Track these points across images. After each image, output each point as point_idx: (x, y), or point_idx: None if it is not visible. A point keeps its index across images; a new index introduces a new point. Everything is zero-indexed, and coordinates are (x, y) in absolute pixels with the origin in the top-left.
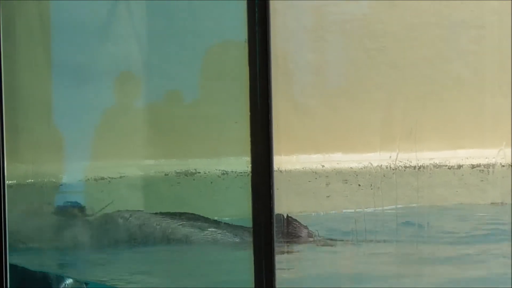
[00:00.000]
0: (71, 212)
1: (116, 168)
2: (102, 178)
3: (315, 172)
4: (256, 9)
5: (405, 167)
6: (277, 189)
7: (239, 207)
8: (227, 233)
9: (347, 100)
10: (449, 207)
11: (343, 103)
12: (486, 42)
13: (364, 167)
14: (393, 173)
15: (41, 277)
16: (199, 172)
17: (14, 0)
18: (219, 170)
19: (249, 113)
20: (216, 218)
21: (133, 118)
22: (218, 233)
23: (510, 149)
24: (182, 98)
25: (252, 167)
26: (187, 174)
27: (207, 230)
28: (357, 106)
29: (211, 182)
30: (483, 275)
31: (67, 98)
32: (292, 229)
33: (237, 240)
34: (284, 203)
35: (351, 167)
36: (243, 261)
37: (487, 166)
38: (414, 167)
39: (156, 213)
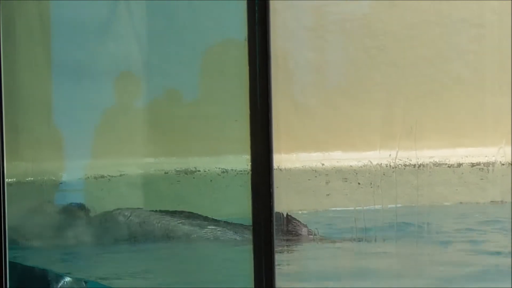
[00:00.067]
0: (71, 210)
1: (116, 166)
2: (102, 176)
3: (315, 171)
4: (256, 8)
5: (405, 165)
6: (277, 187)
7: (239, 206)
8: (227, 231)
9: (347, 99)
10: (448, 206)
11: (343, 102)
12: (486, 41)
13: (364, 166)
14: (393, 172)
15: (40, 274)
16: (199, 171)
17: (14, 0)
18: (219, 168)
19: (249, 112)
20: (216, 216)
21: (133, 116)
22: (218, 231)
23: (510, 148)
24: (182, 96)
25: (252, 166)
26: (187, 172)
27: (207, 228)
28: (357, 105)
29: (211, 181)
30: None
31: (67, 96)
32: (291, 228)
33: (236, 237)
34: (284, 202)
35: (351, 166)
36: (243, 259)
37: (487, 164)
38: (414, 165)
39: (156, 211)
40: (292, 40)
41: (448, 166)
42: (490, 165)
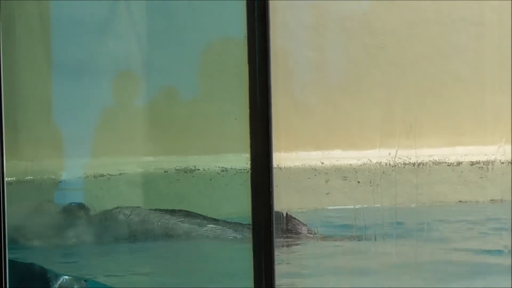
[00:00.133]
0: (70, 208)
1: (115, 165)
2: (102, 175)
3: (315, 169)
4: (256, 7)
5: (405, 164)
6: (277, 186)
7: (239, 204)
8: (226, 229)
9: (346, 98)
10: (448, 204)
11: (343, 101)
12: (486, 40)
13: (363, 164)
14: (393, 170)
15: (40, 273)
16: (198, 169)
17: (14, 0)
18: (219, 167)
19: (248, 110)
20: (215, 215)
21: (132, 115)
22: (218, 229)
23: (510, 146)
24: (182, 95)
25: (252, 164)
26: (187, 171)
27: (206, 227)
28: (356, 103)
29: (211, 179)
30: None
31: (67, 95)
32: (291, 226)
33: (236, 236)
34: (283, 200)
35: (350, 164)
36: (242, 258)
37: (487, 163)
38: (414, 164)
39: (155, 210)
40: (292, 39)
41: (448, 165)
42: (490, 164)
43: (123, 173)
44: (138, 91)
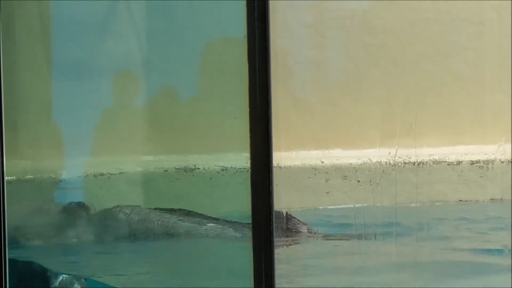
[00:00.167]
0: (70, 208)
1: (115, 164)
2: (102, 174)
3: (315, 168)
4: (256, 6)
5: (405, 163)
6: (277, 185)
7: (239, 203)
8: (226, 228)
9: (346, 97)
10: (448, 204)
11: (343, 99)
12: (486, 39)
13: (363, 163)
14: (393, 169)
15: (40, 272)
16: (198, 168)
17: (14, 0)
18: (219, 166)
19: (248, 109)
20: (215, 214)
21: (132, 114)
22: (218, 228)
23: (510, 145)
24: (182, 94)
25: (252, 163)
26: (187, 170)
27: (206, 226)
28: (356, 102)
29: (211, 178)
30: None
31: (67, 95)
32: (291, 225)
33: (236, 235)
34: (283, 199)
35: (350, 163)
36: (242, 257)
37: (487, 162)
38: (414, 163)
39: (155, 209)
40: (292, 38)
41: (448, 164)
42: (490, 163)
43: (123, 172)
44: (138, 90)
